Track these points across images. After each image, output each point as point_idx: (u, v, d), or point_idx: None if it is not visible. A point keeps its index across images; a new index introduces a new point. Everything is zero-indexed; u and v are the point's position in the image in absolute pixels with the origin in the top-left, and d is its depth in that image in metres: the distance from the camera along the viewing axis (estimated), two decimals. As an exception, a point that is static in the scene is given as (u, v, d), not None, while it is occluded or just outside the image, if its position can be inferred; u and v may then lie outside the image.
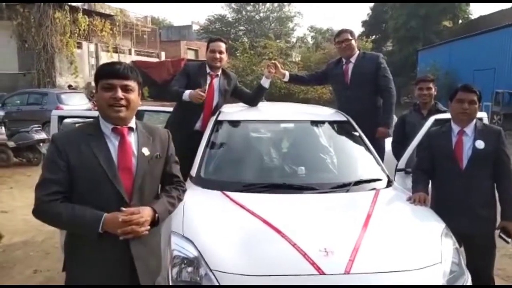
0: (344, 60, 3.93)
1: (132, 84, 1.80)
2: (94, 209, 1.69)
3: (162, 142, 1.96)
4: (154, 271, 1.94)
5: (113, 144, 1.80)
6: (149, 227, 1.76)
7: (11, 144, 8.58)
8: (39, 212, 1.73)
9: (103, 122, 1.81)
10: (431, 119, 3.23)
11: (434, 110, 3.65)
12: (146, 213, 1.76)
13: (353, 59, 3.87)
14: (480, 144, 2.61)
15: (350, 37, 3.86)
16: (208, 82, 3.55)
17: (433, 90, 3.77)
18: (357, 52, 3.90)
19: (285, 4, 42.32)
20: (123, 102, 1.76)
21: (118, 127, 1.80)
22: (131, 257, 1.78)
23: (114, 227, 1.67)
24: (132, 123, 1.86)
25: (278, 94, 20.28)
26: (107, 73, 1.78)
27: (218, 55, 3.52)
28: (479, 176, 2.63)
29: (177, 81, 3.60)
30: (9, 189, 6.99)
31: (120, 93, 1.75)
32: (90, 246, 1.74)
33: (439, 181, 2.77)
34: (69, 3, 19.68)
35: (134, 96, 1.80)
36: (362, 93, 3.76)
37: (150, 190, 1.89)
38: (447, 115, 3.08)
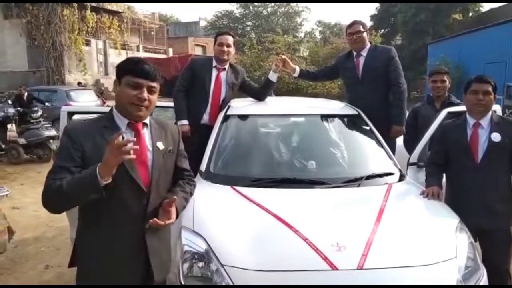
0: (354, 53, 3.81)
1: (157, 86, 1.79)
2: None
3: (173, 137, 1.96)
4: (165, 266, 1.94)
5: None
6: (173, 220, 1.78)
7: (22, 141, 8.66)
8: (45, 195, 1.64)
9: (118, 116, 1.79)
10: (444, 112, 3.18)
11: (447, 103, 3.58)
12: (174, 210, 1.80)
13: (363, 52, 3.74)
14: (496, 136, 2.54)
15: (362, 29, 3.73)
16: (214, 75, 3.57)
17: (447, 82, 3.69)
18: (368, 45, 3.78)
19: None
20: (146, 103, 1.75)
21: (133, 122, 1.79)
22: (146, 250, 1.78)
23: (111, 160, 1.52)
24: (146, 119, 1.85)
25: (286, 89, 20.20)
26: (136, 71, 1.73)
27: (225, 48, 3.54)
28: (495, 169, 2.57)
29: (181, 80, 3.60)
30: (20, 185, 7.05)
31: (145, 94, 1.73)
32: (104, 239, 1.73)
33: (454, 175, 2.72)
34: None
35: (155, 97, 1.80)
36: (374, 87, 3.66)
37: (165, 184, 1.89)
38: (460, 108, 3.02)
